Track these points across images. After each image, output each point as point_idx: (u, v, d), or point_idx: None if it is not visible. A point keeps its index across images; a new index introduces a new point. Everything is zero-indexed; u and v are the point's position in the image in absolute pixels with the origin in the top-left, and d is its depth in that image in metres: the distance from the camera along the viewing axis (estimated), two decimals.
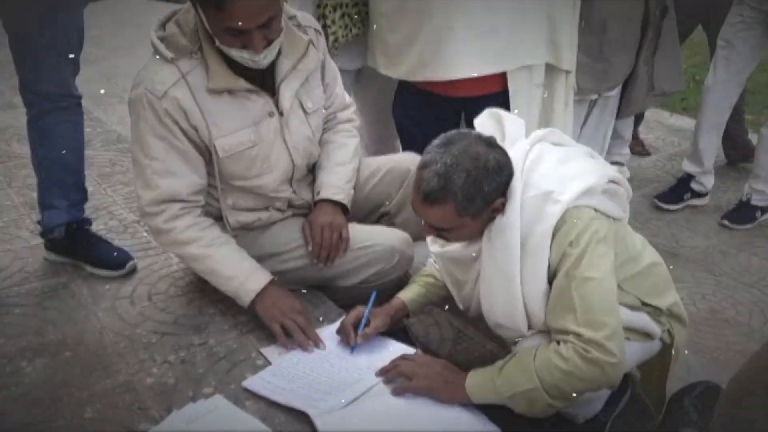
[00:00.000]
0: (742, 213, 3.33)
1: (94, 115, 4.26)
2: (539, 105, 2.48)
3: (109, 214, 2.81)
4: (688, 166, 3.49)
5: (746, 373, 0.86)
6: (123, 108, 4.53)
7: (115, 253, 2.39)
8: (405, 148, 2.62)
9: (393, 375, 1.72)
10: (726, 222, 3.31)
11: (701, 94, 3.41)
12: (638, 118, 3.94)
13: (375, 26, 2.43)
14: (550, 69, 2.45)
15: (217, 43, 1.79)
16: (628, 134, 3.68)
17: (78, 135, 2.40)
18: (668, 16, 2.97)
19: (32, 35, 2.15)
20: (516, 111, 2.34)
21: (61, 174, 2.36)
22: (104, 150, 3.57)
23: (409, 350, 1.85)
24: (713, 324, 2.58)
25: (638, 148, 4.08)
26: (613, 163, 3.61)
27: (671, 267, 1.99)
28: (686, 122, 4.64)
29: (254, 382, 1.75)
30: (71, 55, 2.25)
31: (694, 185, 3.47)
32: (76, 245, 2.39)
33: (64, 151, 2.34)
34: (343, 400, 1.66)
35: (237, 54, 1.78)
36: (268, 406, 1.68)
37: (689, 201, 3.47)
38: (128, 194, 2.98)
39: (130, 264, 2.35)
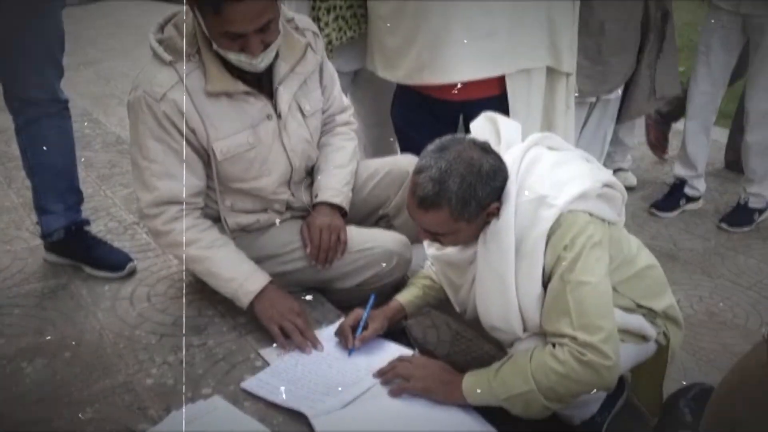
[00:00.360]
0: (740, 216, 3.35)
1: (94, 116, 4.28)
2: (540, 108, 2.49)
3: (108, 215, 2.82)
4: (680, 170, 3.51)
5: (733, 376, 0.88)
6: (121, 110, 4.54)
7: (115, 255, 2.40)
8: (403, 150, 2.63)
9: (390, 376, 1.73)
10: (724, 225, 3.32)
11: None
12: (672, 119, 3.95)
13: (373, 29, 2.44)
14: (551, 72, 2.46)
15: (215, 46, 1.80)
16: (629, 141, 3.70)
17: (68, 139, 2.40)
18: (669, 21, 3.00)
19: (10, 42, 2.14)
20: (515, 114, 2.35)
21: (54, 179, 2.38)
22: (104, 152, 3.59)
23: (407, 352, 1.86)
24: (710, 326, 2.59)
25: (659, 152, 4.07)
26: (618, 170, 3.64)
27: (669, 269, 2.00)
28: None
29: (253, 383, 1.76)
30: (53, 59, 2.24)
31: (687, 190, 3.49)
32: (76, 247, 2.40)
33: (55, 157, 2.35)
34: (340, 401, 1.67)
35: (234, 57, 1.79)
36: (267, 407, 1.69)
37: (684, 207, 3.49)
38: (127, 196, 2.99)
39: (130, 265, 2.36)
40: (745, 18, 3.10)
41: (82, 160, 3.41)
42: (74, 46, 6.97)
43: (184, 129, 1.87)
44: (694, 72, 3.33)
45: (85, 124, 4.05)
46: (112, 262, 2.37)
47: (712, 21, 3.20)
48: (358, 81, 2.76)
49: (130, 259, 2.39)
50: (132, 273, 2.36)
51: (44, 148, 2.32)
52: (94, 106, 4.59)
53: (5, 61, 2.19)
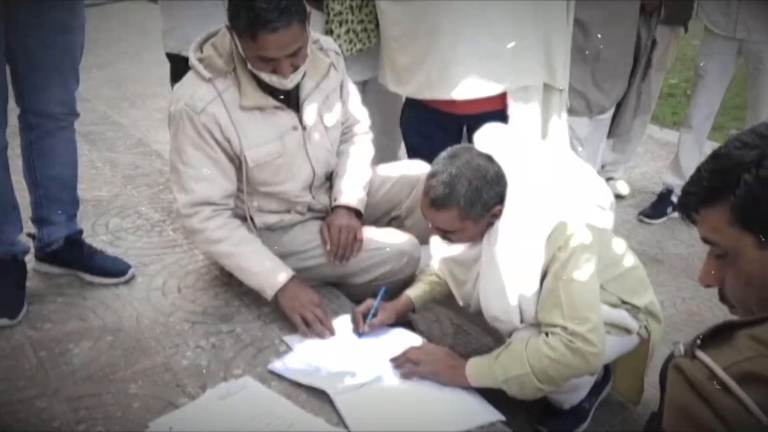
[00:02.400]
0: None
1: (113, 118, 4.44)
2: (537, 120, 2.70)
3: (136, 213, 3.01)
4: (670, 179, 3.72)
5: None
6: (135, 112, 4.74)
7: (115, 263, 2.48)
8: (411, 156, 2.83)
9: (402, 361, 1.94)
10: None
11: None
12: None
13: (385, 48, 2.65)
14: (546, 88, 2.67)
15: (249, 66, 2.02)
16: (624, 154, 3.92)
17: (74, 150, 2.44)
18: (655, 49, 3.23)
19: (41, 59, 2.17)
20: (515, 127, 2.55)
21: (60, 191, 2.42)
22: (126, 153, 3.76)
23: (417, 338, 2.08)
24: (691, 325, 2.79)
25: None
26: (610, 179, 3.87)
27: (655, 272, 2.18)
28: (675, 136, 4.82)
29: (279, 365, 1.98)
30: (76, 72, 2.30)
31: (674, 198, 3.69)
32: (76, 255, 2.46)
33: (63, 169, 2.41)
34: (358, 382, 1.89)
35: (267, 77, 2.01)
36: (292, 386, 1.91)
37: (671, 214, 3.69)
38: (153, 195, 3.18)
39: (131, 271, 2.45)
40: (742, 43, 3.31)
41: (107, 161, 3.63)
42: (86, 48, 7.08)
43: (221, 139, 2.08)
44: (693, 95, 3.58)
45: (107, 126, 4.24)
46: (113, 269, 2.45)
47: (707, 47, 3.42)
48: (368, 91, 2.94)
49: (129, 266, 2.47)
50: (132, 278, 2.45)
51: (54, 161, 2.37)
52: (111, 108, 4.72)
53: (34, 77, 2.22)
